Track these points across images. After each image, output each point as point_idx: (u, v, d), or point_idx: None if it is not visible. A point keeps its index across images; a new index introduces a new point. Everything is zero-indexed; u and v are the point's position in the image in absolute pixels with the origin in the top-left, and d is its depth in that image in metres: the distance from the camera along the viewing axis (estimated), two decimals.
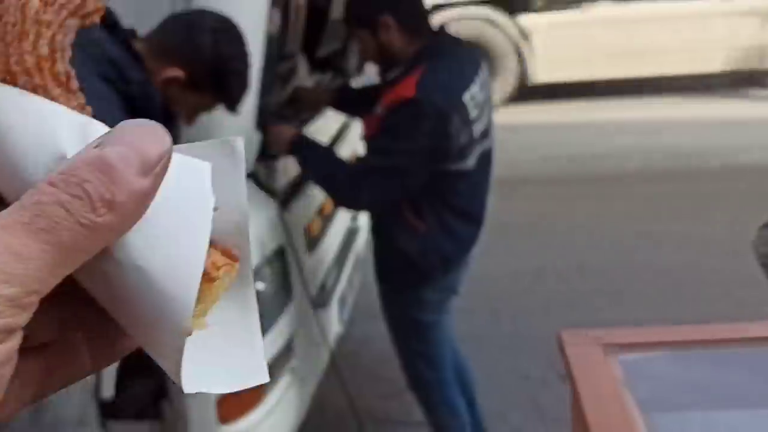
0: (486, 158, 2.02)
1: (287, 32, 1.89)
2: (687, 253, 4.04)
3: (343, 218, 2.77)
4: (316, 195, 2.43)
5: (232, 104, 1.50)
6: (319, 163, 1.94)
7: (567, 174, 5.60)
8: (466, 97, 1.89)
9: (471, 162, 1.94)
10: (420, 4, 1.97)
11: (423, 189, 1.92)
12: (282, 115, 2.05)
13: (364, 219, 3.28)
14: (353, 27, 1.99)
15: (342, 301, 2.63)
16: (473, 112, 1.91)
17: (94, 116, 0.29)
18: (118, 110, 1.34)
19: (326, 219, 2.55)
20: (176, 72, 1.39)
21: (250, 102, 1.73)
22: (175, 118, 1.47)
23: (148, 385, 2.07)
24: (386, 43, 1.90)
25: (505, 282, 3.81)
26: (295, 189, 2.23)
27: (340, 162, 1.97)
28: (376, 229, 2.08)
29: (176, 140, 0.27)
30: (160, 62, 1.40)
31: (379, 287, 2.21)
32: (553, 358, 3.08)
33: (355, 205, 1.92)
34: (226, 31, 1.41)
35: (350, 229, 2.95)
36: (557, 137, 6.57)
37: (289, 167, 2.19)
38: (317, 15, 2.22)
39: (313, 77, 2.61)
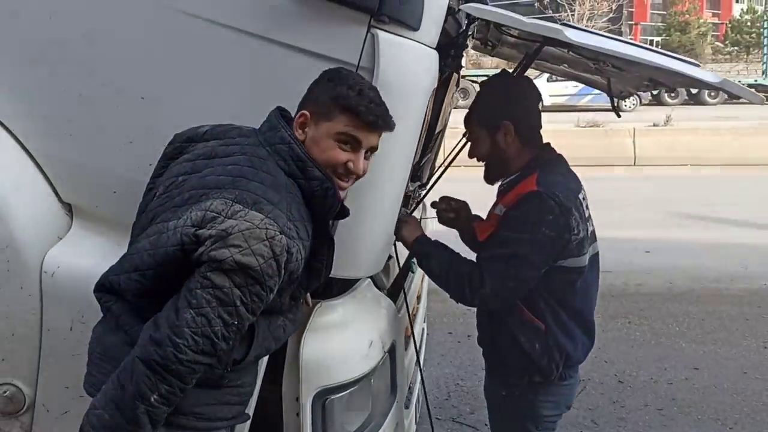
0: (595, 261, 2.10)
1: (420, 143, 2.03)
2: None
3: (420, 319, 2.83)
4: (411, 295, 2.51)
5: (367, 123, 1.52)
6: (442, 259, 2.00)
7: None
8: (580, 197, 2.03)
9: (585, 260, 2.02)
10: (537, 119, 2.13)
11: (540, 286, 1.96)
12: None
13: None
14: (474, 125, 2.10)
15: (417, 402, 2.65)
16: (586, 212, 2.05)
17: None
18: (300, 204, 1.47)
19: (413, 319, 2.61)
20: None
21: (392, 207, 1.84)
22: (346, 212, 1.61)
23: None
24: (500, 144, 2.05)
25: None
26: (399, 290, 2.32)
27: (461, 258, 2.01)
28: (494, 330, 2.07)
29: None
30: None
31: (493, 393, 2.21)
32: None
33: (476, 297, 1.92)
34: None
35: (423, 329, 3.00)
36: None
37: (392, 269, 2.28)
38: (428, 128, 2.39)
39: None
